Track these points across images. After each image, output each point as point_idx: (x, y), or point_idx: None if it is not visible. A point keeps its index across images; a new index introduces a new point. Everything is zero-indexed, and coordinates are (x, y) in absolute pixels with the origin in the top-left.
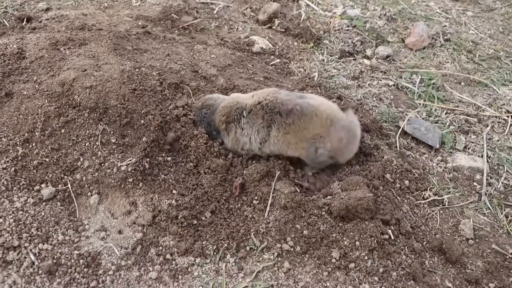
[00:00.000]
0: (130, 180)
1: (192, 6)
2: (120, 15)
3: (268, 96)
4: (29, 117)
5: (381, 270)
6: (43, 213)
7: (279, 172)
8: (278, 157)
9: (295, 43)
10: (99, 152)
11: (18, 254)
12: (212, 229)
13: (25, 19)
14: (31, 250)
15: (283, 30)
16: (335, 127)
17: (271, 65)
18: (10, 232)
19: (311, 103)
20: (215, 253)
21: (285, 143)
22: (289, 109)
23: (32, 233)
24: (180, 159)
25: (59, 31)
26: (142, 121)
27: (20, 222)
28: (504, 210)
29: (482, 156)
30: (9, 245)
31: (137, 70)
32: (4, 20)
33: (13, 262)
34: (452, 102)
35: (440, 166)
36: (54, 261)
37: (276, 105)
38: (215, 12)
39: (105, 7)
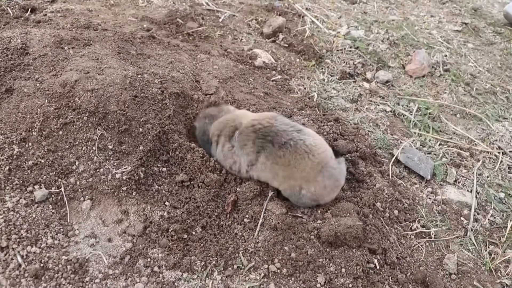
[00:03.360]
0: (124, 188)
1: (198, 12)
2: (125, 15)
3: (264, 121)
4: (28, 116)
5: None
6: (34, 215)
7: (272, 193)
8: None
9: (297, 60)
10: (95, 157)
11: (5, 255)
12: (202, 244)
13: (29, 10)
14: (18, 252)
15: (287, 45)
16: (323, 174)
17: (272, 80)
18: None
19: (307, 142)
20: (202, 269)
21: (271, 172)
22: (282, 142)
23: (22, 234)
24: (175, 171)
25: (64, 28)
26: (141, 129)
27: (10, 223)
28: (488, 247)
29: (471, 191)
30: None
31: (139, 76)
32: (8, 8)
33: None
34: (446, 134)
35: (429, 198)
36: (41, 265)
37: (270, 133)
38: (220, 20)
39: (111, 4)
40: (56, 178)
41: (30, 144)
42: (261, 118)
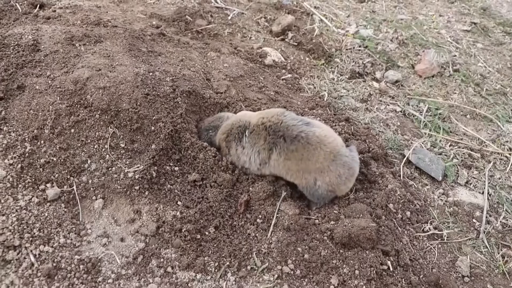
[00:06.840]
0: (137, 187)
1: (207, 9)
2: (134, 11)
3: (273, 118)
4: (40, 113)
5: None
6: (46, 214)
7: (285, 193)
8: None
9: (307, 59)
10: (107, 155)
11: (18, 254)
12: (215, 245)
13: (38, 6)
14: (31, 251)
15: (296, 44)
16: (336, 162)
17: (282, 79)
18: (12, 231)
19: (318, 133)
20: (216, 270)
21: (285, 168)
22: (294, 135)
23: (34, 233)
24: (187, 170)
25: (74, 24)
26: (153, 128)
27: (23, 222)
28: (501, 250)
29: (483, 193)
30: (10, 244)
31: (151, 74)
32: (17, 4)
33: (12, 261)
34: (457, 135)
35: (441, 199)
36: (54, 264)
37: (280, 129)
38: (229, 18)
39: (119, 0)
40: (68, 176)
41: (42, 142)
42: (270, 116)
